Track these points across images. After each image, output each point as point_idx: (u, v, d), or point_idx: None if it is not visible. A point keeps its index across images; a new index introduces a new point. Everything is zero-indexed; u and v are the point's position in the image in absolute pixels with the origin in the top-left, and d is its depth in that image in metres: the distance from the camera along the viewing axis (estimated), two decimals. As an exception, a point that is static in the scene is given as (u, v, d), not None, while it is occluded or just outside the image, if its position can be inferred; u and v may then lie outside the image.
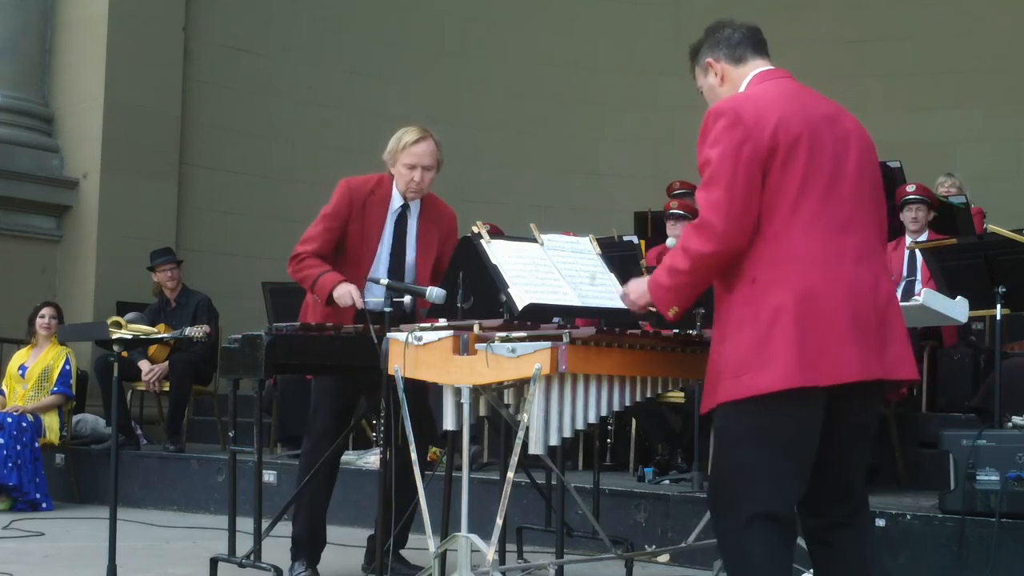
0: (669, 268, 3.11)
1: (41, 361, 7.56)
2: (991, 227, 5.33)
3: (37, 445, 7.28)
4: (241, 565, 4.53)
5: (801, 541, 3.21)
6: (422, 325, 3.77)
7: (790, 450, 2.97)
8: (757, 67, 3.18)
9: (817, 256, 2.95)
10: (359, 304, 4.44)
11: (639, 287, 3.30)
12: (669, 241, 7.47)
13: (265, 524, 4.53)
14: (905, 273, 6.55)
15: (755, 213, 2.97)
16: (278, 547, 4.77)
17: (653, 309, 3.30)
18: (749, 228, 2.98)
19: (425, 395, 4.51)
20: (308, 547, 4.77)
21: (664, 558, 5.04)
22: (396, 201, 4.77)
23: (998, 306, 5.06)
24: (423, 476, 3.89)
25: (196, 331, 5.37)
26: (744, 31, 3.22)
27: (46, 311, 7.66)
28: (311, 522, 4.79)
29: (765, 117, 2.97)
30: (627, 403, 3.55)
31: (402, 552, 4.83)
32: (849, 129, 3.10)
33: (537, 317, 3.71)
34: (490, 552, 3.55)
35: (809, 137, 2.98)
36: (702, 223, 3.01)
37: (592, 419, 3.46)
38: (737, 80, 3.19)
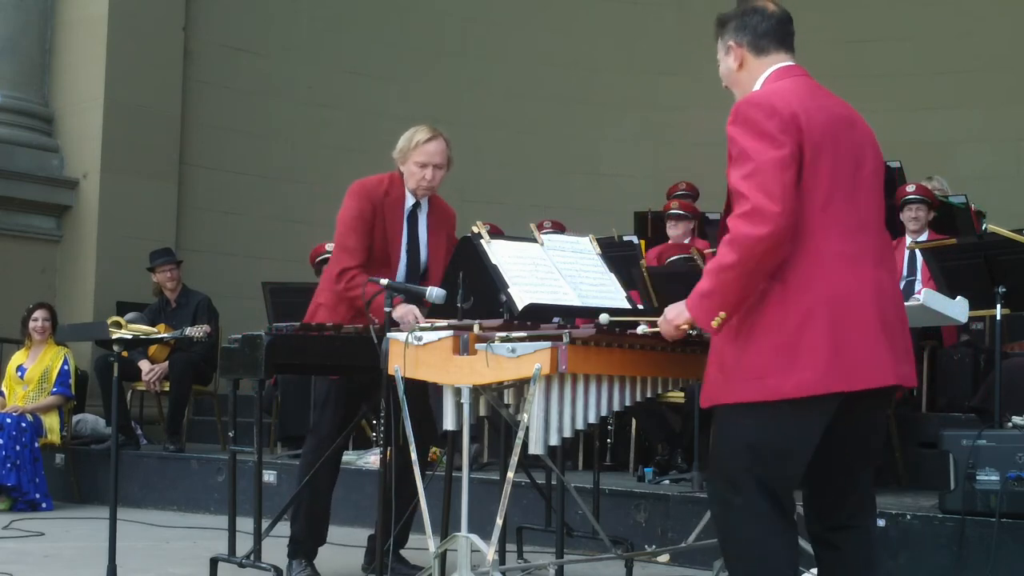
0: (711, 270, 2.95)
1: (40, 363, 7.56)
2: (991, 227, 5.32)
3: (37, 445, 7.27)
4: (241, 565, 4.53)
5: (803, 543, 3.21)
6: (422, 325, 3.77)
7: (794, 451, 2.96)
8: (777, 62, 3.13)
9: (845, 258, 2.93)
10: (421, 322, 4.34)
11: (676, 308, 3.12)
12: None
13: (265, 524, 4.53)
14: (905, 273, 6.55)
15: (797, 201, 2.90)
16: (278, 547, 4.77)
17: (692, 331, 3.20)
18: (797, 213, 2.88)
19: (425, 395, 4.51)
20: (306, 546, 4.78)
21: (664, 558, 5.04)
22: (408, 200, 4.78)
23: (998, 306, 5.06)
24: (423, 476, 3.89)
25: (196, 331, 5.37)
26: (773, 21, 3.14)
27: (39, 313, 7.63)
28: (311, 522, 4.79)
29: (796, 115, 2.92)
30: (627, 403, 3.55)
31: (402, 552, 4.84)
32: (864, 132, 3.09)
33: (537, 317, 3.71)
34: (490, 552, 3.55)
35: (832, 139, 2.97)
36: (753, 209, 2.85)
37: (592, 419, 3.46)
38: (755, 70, 3.13)
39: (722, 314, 2.93)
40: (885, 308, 2.95)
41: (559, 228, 7.36)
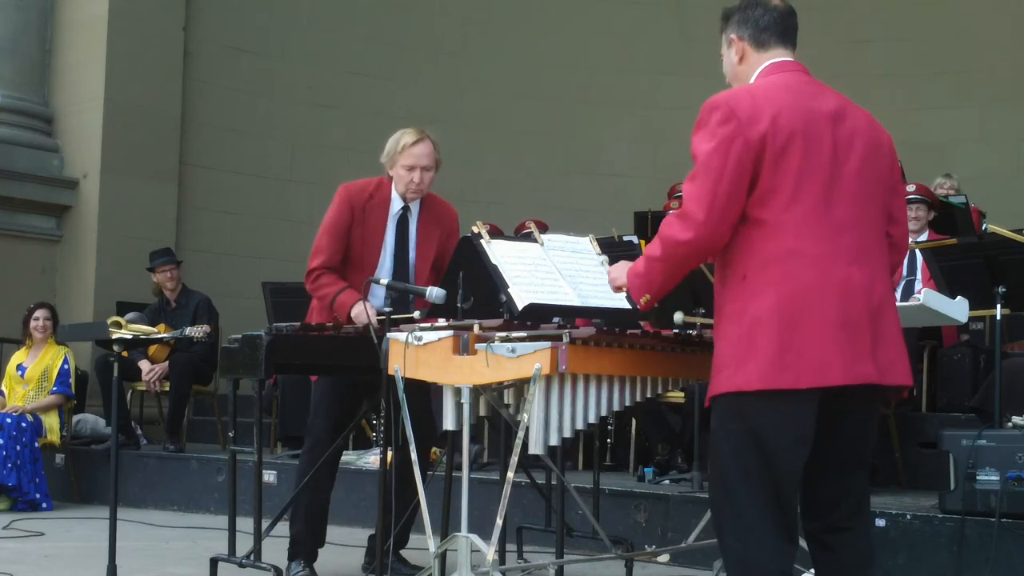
0: (645, 255, 3.11)
1: (40, 362, 7.56)
2: (991, 227, 5.31)
3: (37, 445, 7.28)
4: (241, 565, 4.53)
5: (802, 542, 3.20)
6: (422, 325, 3.77)
7: (777, 453, 2.92)
8: (774, 57, 3.13)
9: (809, 256, 2.91)
10: (374, 323, 4.42)
11: (619, 269, 3.30)
12: None
13: (265, 524, 4.53)
14: (905, 273, 6.54)
15: (738, 212, 2.95)
16: (278, 547, 4.77)
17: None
18: (729, 226, 2.95)
19: (426, 395, 4.51)
20: (306, 547, 4.78)
21: (664, 558, 5.04)
22: (396, 204, 4.78)
23: (998, 306, 5.05)
24: (423, 476, 3.89)
25: (196, 331, 5.38)
26: (775, 15, 3.14)
27: (40, 313, 7.64)
28: (310, 522, 4.79)
29: (760, 113, 2.93)
30: (627, 403, 3.55)
31: (402, 552, 4.83)
32: (856, 128, 3.04)
33: (537, 317, 3.71)
34: (490, 552, 3.55)
35: (804, 135, 2.94)
36: (684, 212, 2.98)
37: (592, 419, 3.46)
38: (754, 64, 3.14)
39: (647, 296, 3.10)
40: (850, 307, 2.92)
41: (542, 227, 7.35)
